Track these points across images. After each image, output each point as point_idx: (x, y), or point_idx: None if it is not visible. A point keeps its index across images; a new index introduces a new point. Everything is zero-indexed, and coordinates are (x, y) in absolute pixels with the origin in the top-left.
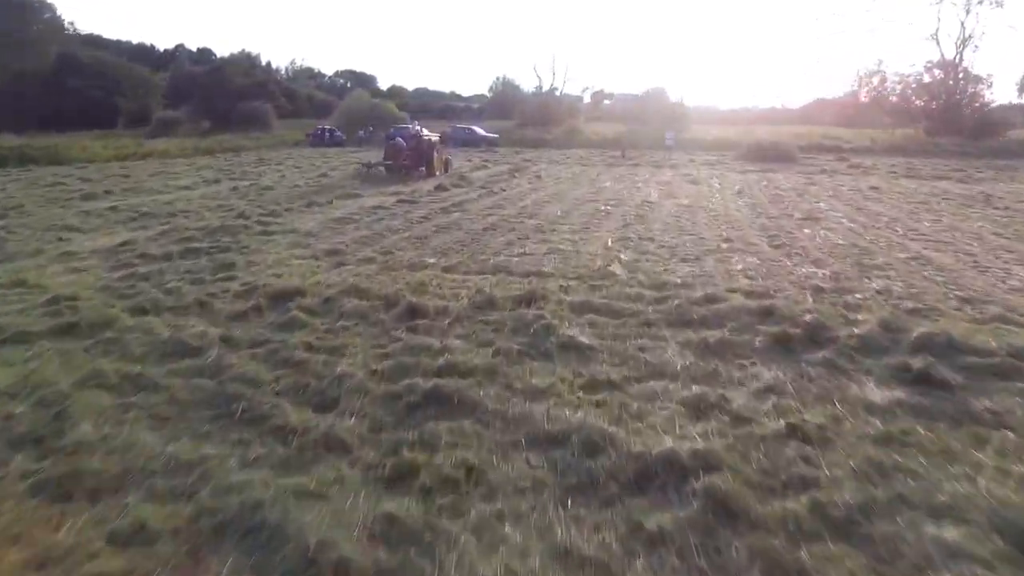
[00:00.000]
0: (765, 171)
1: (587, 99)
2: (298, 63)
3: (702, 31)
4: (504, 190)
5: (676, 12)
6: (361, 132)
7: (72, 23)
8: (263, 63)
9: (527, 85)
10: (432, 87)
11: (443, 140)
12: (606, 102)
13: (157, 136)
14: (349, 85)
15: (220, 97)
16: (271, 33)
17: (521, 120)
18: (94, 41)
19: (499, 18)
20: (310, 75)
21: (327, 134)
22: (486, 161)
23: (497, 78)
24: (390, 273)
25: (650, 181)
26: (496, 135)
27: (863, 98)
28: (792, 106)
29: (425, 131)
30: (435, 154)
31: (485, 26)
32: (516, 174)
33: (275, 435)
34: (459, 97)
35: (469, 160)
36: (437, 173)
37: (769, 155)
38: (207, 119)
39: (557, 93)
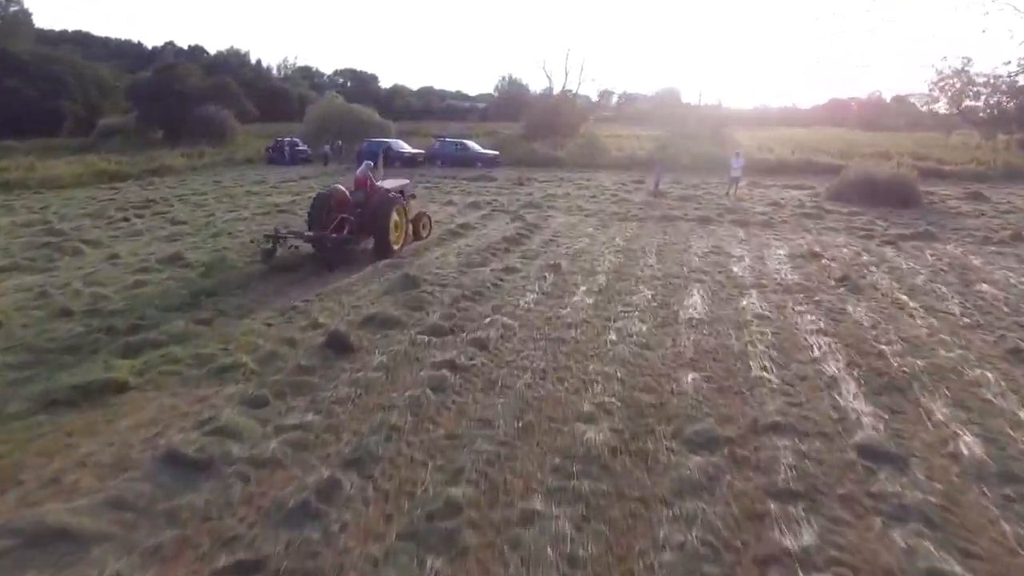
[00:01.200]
0: (917, 235)
1: (595, 98)
2: (291, 61)
3: (704, 29)
4: (484, 347)
5: (679, 9)
6: (326, 147)
7: (24, 12)
8: (252, 60)
9: (536, 85)
10: (438, 86)
11: (405, 179)
12: (614, 101)
13: (98, 148)
14: (349, 84)
15: (171, 101)
16: (273, 31)
17: (528, 123)
18: (81, 39)
19: (507, 13)
20: (305, 74)
21: (287, 148)
22: (474, 206)
23: (503, 77)
24: None
25: (766, 277)
26: (495, 152)
27: (942, 104)
28: (803, 106)
29: (405, 146)
30: (393, 215)
31: (493, 22)
32: (517, 250)
33: None
34: (465, 96)
35: (450, 202)
36: (397, 247)
37: (880, 193)
38: (159, 127)
39: (572, 94)
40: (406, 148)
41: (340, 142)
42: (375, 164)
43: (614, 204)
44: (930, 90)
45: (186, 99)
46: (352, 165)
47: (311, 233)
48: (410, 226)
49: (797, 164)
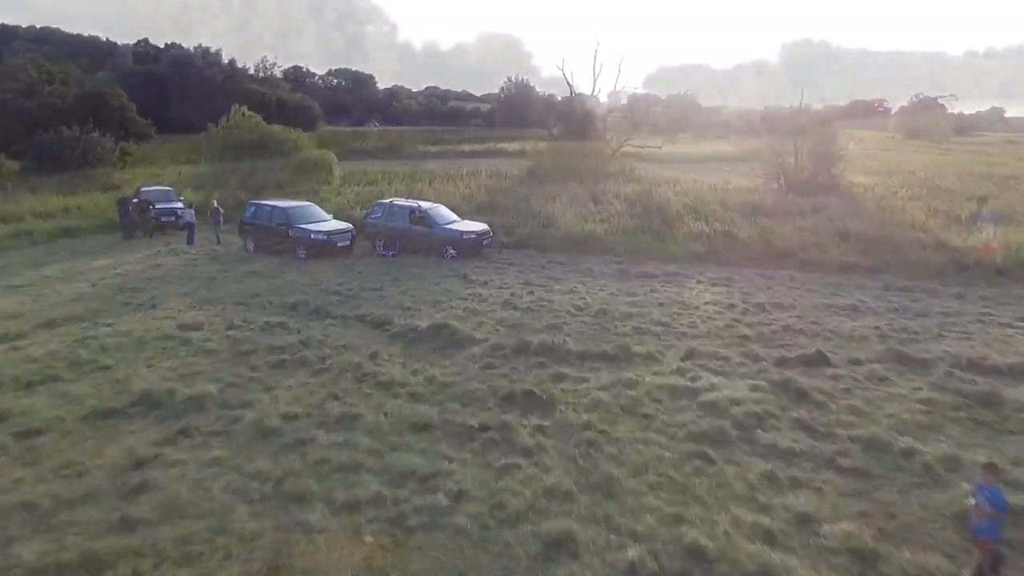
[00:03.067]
0: None
1: (603, 98)
2: (271, 59)
3: (706, 25)
4: None
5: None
6: (189, 210)
7: None
8: (225, 59)
9: (543, 86)
10: (443, 85)
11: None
12: (623, 102)
13: None
14: (345, 84)
15: (18, 119)
16: (272, 29)
17: (539, 162)
18: (46, 36)
19: (513, 8)
20: (293, 75)
21: (135, 210)
22: None
23: (509, 78)
24: None
25: None
26: (483, 228)
27: None
28: (815, 106)
29: (319, 217)
30: None
31: (499, 16)
32: None
33: None
34: (472, 97)
35: None
36: None
37: None
38: (8, 156)
39: (605, 117)
40: (318, 223)
41: (215, 203)
42: None
43: None
44: None
45: (31, 117)
46: (234, 245)
47: None
48: None
49: None
